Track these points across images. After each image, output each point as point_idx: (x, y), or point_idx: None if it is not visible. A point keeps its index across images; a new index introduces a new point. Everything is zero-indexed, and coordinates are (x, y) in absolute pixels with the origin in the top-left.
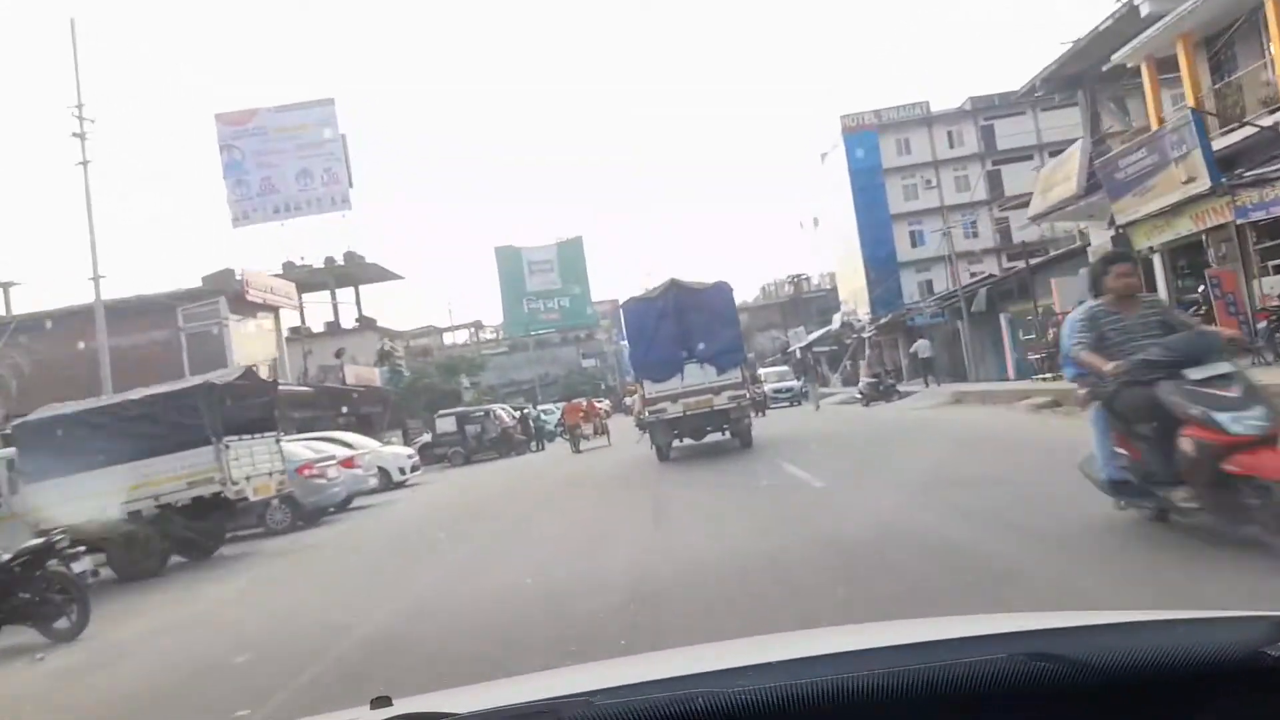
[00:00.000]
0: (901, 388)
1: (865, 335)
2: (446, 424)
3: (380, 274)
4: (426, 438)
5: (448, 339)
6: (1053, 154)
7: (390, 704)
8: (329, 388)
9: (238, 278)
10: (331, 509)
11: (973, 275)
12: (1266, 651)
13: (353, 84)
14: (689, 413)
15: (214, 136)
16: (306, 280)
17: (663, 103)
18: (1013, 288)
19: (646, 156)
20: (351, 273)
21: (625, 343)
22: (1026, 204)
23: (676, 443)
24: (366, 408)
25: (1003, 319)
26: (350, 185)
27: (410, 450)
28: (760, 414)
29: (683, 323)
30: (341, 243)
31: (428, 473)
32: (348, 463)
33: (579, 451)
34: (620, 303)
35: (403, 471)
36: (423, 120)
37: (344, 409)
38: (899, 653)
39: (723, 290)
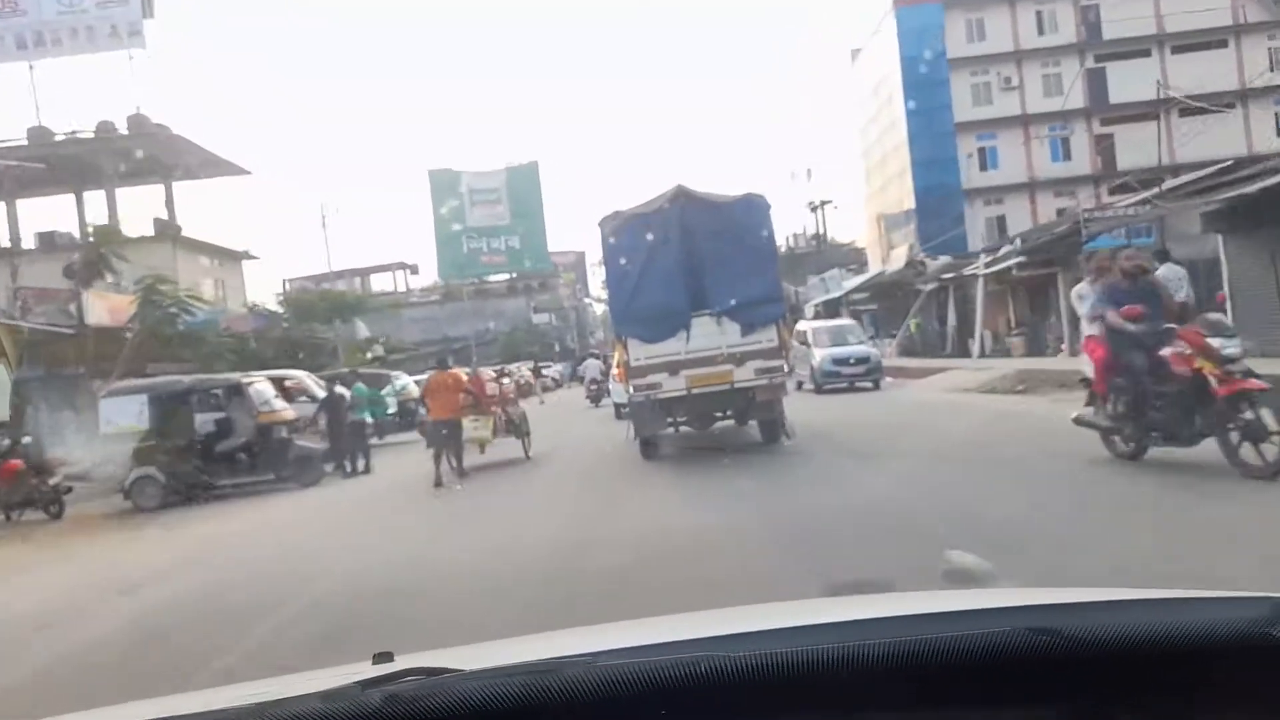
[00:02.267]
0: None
1: (984, 270)
2: (124, 411)
3: (202, 161)
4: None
5: (377, 284)
6: (1177, 50)
7: (392, 659)
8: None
9: None
10: None
11: (1060, 212)
12: (1270, 632)
13: None
14: (695, 390)
15: None
16: (73, 159)
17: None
18: None
19: (617, 73)
20: (143, 150)
21: (591, 301)
22: (1140, 117)
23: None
24: (160, 365)
25: None
26: (148, 13)
27: None
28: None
29: (693, 253)
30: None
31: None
32: None
33: (460, 477)
34: (600, 220)
35: None
36: None
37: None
38: (903, 624)
39: (755, 207)
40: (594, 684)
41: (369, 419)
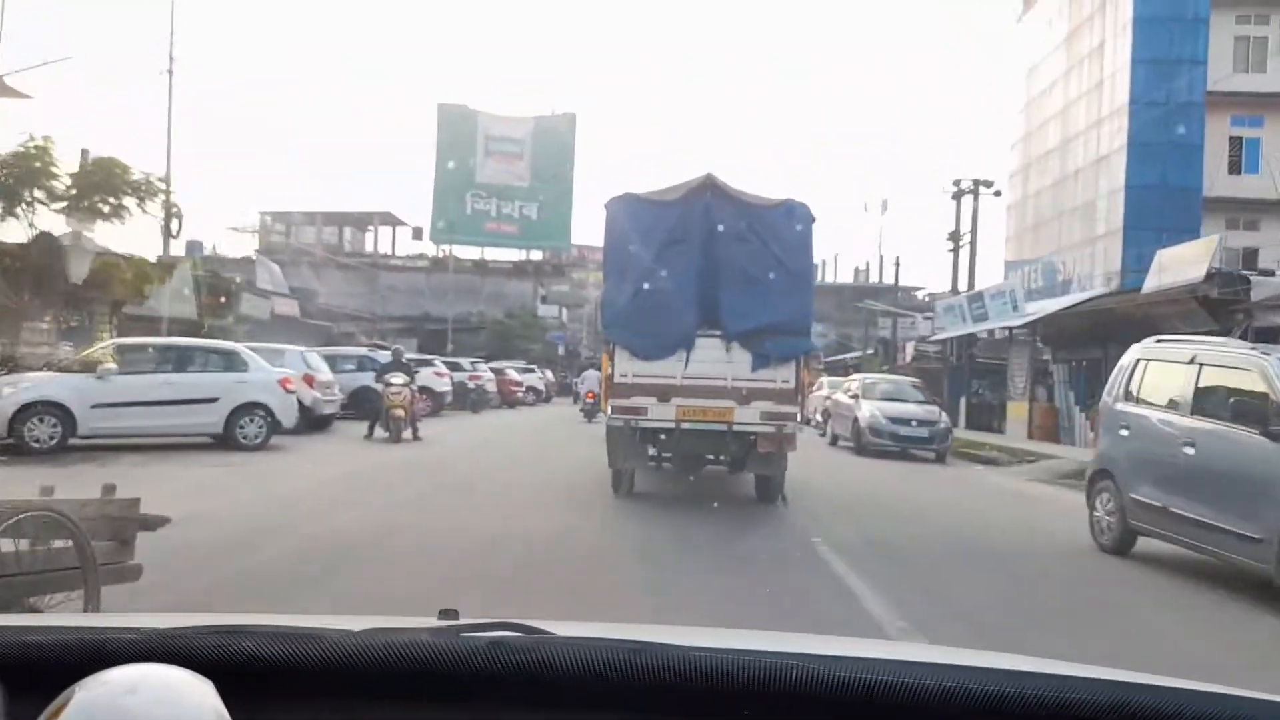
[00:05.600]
0: None
1: None
2: None
3: None
4: None
5: (371, 243)
6: None
7: (457, 616)
8: None
9: None
10: None
11: None
12: None
13: None
14: (685, 424)
15: None
16: None
17: None
18: None
19: (699, 29)
20: None
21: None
22: None
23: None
24: None
25: None
26: None
27: None
28: None
29: (712, 259)
30: None
31: None
32: None
33: None
34: (607, 201)
35: None
36: None
37: None
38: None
39: (796, 216)
40: (685, 670)
41: None
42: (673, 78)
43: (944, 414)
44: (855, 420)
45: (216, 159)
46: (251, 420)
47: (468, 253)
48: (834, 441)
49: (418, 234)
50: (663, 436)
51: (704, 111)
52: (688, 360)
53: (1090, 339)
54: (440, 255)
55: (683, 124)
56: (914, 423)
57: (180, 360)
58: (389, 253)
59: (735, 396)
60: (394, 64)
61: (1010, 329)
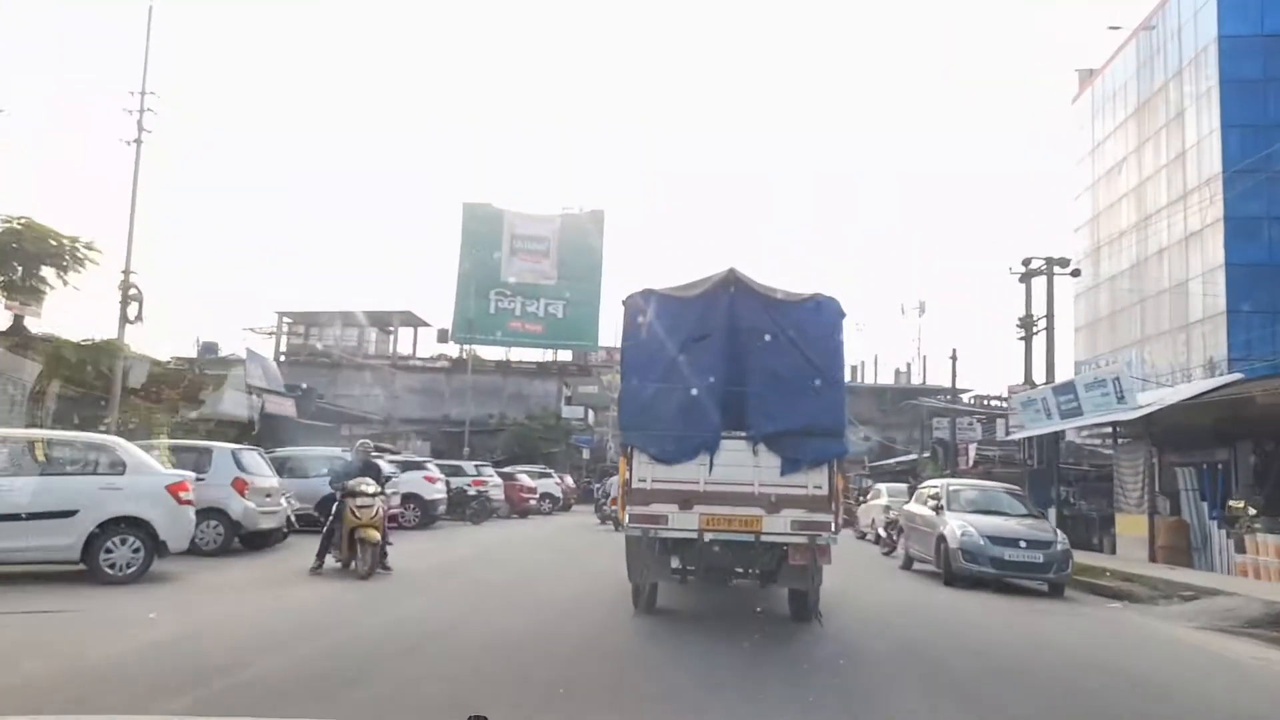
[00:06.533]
0: None
1: None
2: None
3: None
4: None
5: (392, 344)
6: None
7: None
8: None
9: None
10: None
11: None
12: None
13: None
14: (709, 533)
15: None
16: None
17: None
18: None
19: (708, 116)
20: None
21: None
22: None
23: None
24: None
25: None
26: None
27: None
28: None
29: (737, 357)
30: None
31: None
32: None
33: None
34: (625, 297)
35: None
36: None
37: None
38: None
39: (825, 311)
40: None
41: None
42: (703, 172)
43: (1060, 533)
44: (940, 539)
45: (237, 259)
46: (123, 542)
47: (491, 353)
48: (909, 564)
49: (443, 336)
50: (684, 547)
51: (736, 209)
52: (711, 464)
53: (1212, 437)
54: (462, 355)
55: (714, 219)
56: (1022, 544)
57: (30, 460)
58: (410, 353)
59: (764, 504)
60: (417, 163)
61: (1116, 425)
